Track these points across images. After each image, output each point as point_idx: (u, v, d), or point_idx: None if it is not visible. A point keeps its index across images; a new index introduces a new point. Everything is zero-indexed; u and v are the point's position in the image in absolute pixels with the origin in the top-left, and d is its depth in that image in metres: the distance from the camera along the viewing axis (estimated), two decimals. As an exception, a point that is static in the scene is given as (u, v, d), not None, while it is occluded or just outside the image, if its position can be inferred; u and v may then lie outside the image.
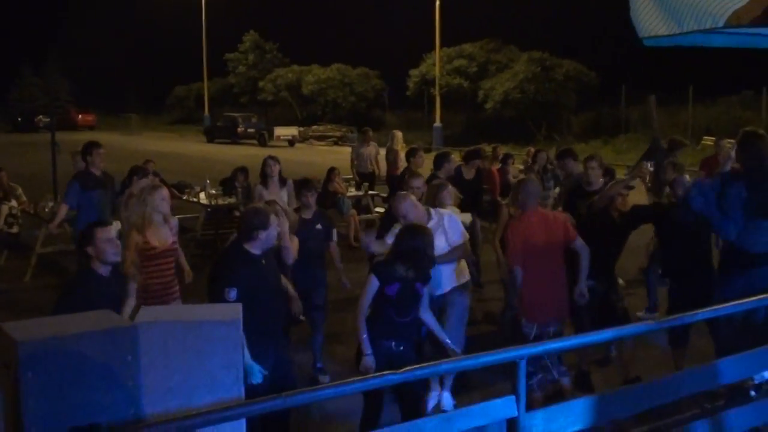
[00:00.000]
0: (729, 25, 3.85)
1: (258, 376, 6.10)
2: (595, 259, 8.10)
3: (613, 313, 8.42)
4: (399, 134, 18.70)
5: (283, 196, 11.93)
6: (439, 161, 12.00)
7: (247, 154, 38.93)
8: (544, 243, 7.73)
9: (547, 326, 7.72)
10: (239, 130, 57.21)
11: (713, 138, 16.30)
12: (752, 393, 6.46)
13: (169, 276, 8.10)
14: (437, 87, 51.76)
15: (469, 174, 13.17)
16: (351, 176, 19.37)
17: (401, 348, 6.87)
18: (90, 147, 11.92)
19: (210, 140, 58.59)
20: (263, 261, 6.82)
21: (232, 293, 6.44)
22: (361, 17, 74.16)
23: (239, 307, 4.25)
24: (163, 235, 8.07)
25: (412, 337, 7.12)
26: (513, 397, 4.77)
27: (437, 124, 50.37)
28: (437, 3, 49.34)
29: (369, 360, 6.74)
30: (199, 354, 3.83)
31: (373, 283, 6.82)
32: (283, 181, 12.39)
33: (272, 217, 6.82)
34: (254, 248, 6.73)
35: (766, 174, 7.53)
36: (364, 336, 6.80)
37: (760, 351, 6.55)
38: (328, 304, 9.41)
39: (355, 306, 6.98)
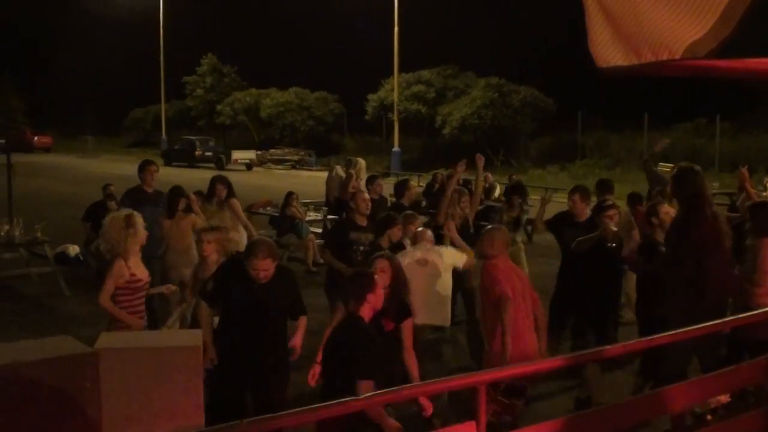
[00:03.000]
0: (685, 57, 3.92)
1: None
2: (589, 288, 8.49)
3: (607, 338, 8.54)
4: (363, 163, 18.64)
5: (224, 216, 12.15)
6: (400, 189, 12.12)
7: (205, 177, 38.64)
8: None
9: None
10: (197, 153, 57.00)
11: (670, 165, 16.47)
12: (708, 417, 6.51)
13: (141, 311, 7.90)
14: (395, 112, 51.87)
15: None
16: (310, 201, 19.37)
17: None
18: (143, 165, 12.22)
19: (167, 163, 58.13)
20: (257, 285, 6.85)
21: (210, 284, 6.96)
22: (320, 41, 74.32)
23: (199, 333, 4.24)
24: (142, 267, 7.97)
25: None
26: (473, 423, 4.78)
27: (396, 148, 50.47)
28: (395, 29, 49.53)
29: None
30: (160, 380, 3.81)
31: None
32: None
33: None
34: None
35: (701, 209, 7.61)
36: None
37: (716, 375, 6.64)
38: None
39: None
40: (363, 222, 9.73)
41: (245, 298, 6.85)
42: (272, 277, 6.85)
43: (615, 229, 8.87)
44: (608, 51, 4.40)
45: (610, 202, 9.38)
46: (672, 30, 3.97)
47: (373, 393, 4.61)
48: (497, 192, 22.50)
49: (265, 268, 6.75)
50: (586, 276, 9.08)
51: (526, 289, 7.73)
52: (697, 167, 8.01)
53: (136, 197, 11.72)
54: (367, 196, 10.18)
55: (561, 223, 9.98)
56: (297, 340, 7.27)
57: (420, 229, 9.45)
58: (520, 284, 7.66)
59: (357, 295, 6.17)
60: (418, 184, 28.73)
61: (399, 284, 7.02)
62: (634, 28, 4.20)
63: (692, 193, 7.64)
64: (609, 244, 8.86)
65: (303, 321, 7.40)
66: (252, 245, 7.00)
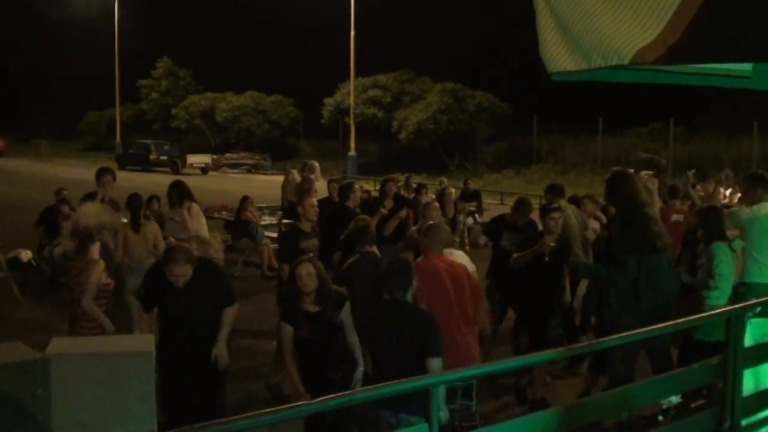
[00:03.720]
0: (634, 62, 3.98)
1: None
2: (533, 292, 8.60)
3: (544, 341, 8.56)
4: (318, 166, 18.62)
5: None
6: (346, 192, 11.94)
7: (160, 181, 38.42)
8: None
9: None
10: (152, 157, 56.62)
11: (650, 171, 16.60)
12: (659, 417, 6.60)
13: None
14: (352, 116, 51.88)
15: (388, 203, 13.23)
16: (265, 205, 19.31)
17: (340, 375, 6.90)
18: (101, 173, 11.59)
19: (122, 167, 57.64)
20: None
21: (141, 288, 7.26)
22: (276, 45, 74.04)
23: (152, 338, 4.22)
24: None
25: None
26: (425, 426, 4.80)
27: (352, 153, 50.46)
28: (352, 33, 49.55)
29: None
30: (112, 386, 3.79)
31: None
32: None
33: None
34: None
35: (637, 212, 7.71)
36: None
37: (667, 376, 6.73)
38: None
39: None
40: (308, 228, 9.67)
41: (170, 303, 7.11)
42: (194, 277, 7.03)
43: (553, 244, 8.84)
44: (559, 56, 4.46)
45: (556, 205, 9.40)
46: (621, 36, 4.03)
47: (329, 396, 4.61)
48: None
49: (183, 273, 6.98)
50: (522, 284, 9.13)
51: (462, 289, 7.72)
52: (630, 170, 8.13)
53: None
54: (314, 201, 10.10)
55: (500, 227, 10.10)
56: (219, 347, 7.29)
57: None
58: (453, 284, 7.65)
59: (402, 283, 6.57)
60: (374, 188, 28.76)
61: (326, 282, 7.10)
62: (584, 34, 4.25)
63: (627, 195, 7.76)
64: (546, 259, 8.85)
65: (228, 313, 7.42)
66: (169, 251, 7.21)
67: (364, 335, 6.86)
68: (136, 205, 11.42)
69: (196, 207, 12.15)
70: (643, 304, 7.59)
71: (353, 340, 7.09)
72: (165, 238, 10.84)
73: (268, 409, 4.30)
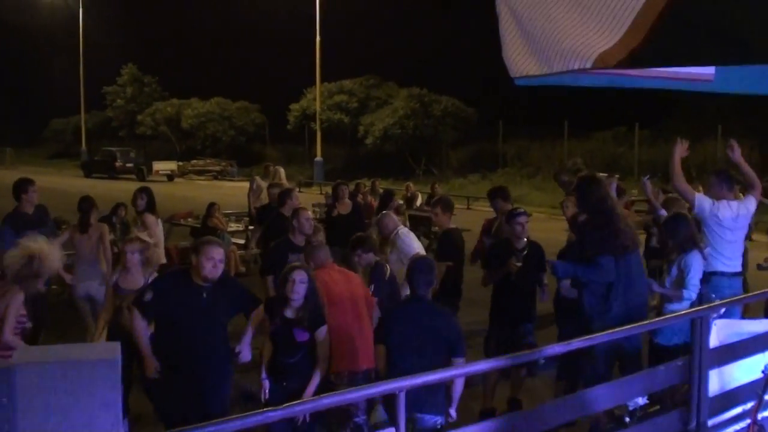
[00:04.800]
0: (596, 67, 4.01)
1: None
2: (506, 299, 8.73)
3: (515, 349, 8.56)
4: (281, 170, 18.63)
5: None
6: (282, 198, 11.66)
7: (126, 189, 38.22)
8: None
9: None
10: (117, 164, 56.32)
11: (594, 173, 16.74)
12: (626, 419, 6.62)
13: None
14: (318, 122, 51.86)
15: (344, 209, 13.18)
16: (232, 211, 19.28)
17: (293, 387, 6.83)
18: (20, 185, 11.07)
19: (87, 175, 57.42)
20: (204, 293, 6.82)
21: (149, 294, 6.76)
22: (242, 51, 73.82)
23: (118, 346, 4.18)
24: None
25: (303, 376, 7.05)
26: (392, 430, 4.81)
27: (318, 158, 50.38)
28: (317, 38, 49.54)
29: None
30: (78, 394, 3.76)
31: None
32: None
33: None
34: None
35: (608, 215, 7.76)
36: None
37: (633, 378, 6.78)
38: None
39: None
40: (301, 242, 9.38)
41: (190, 307, 6.80)
42: (216, 285, 6.86)
43: (519, 264, 8.84)
44: (522, 61, 4.48)
45: (522, 210, 9.39)
46: (583, 40, 4.05)
47: (294, 402, 4.62)
48: (419, 201, 22.68)
49: (220, 256, 6.84)
50: (495, 291, 9.15)
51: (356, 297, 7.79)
52: (599, 175, 8.18)
53: (15, 222, 10.74)
54: (309, 214, 9.83)
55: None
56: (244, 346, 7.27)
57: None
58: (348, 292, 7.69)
59: (427, 280, 6.61)
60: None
61: (314, 294, 7.03)
62: (547, 39, 4.28)
63: (597, 198, 7.81)
64: (512, 278, 8.86)
65: (256, 314, 7.33)
66: (200, 241, 7.14)
67: (383, 331, 6.74)
68: (86, 207, 11.19)
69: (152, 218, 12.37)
70: (614, 307, 7.64)
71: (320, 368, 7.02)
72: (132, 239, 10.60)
73: (233, 416, 4.29)
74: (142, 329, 6.93)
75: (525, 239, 8.98)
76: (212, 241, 6.94)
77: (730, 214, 8.86)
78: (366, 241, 8.71)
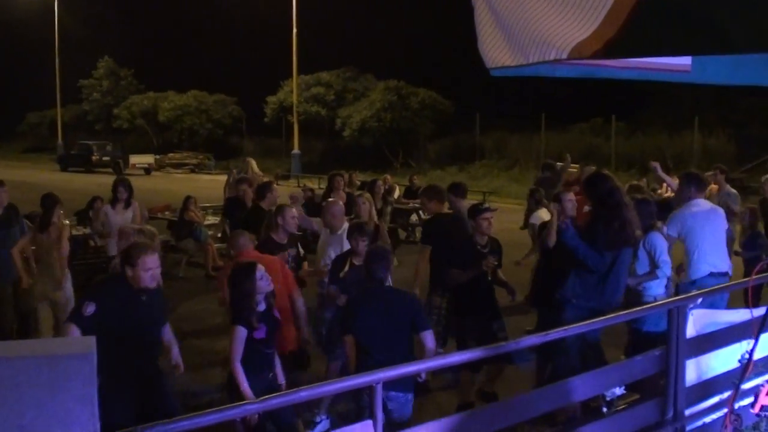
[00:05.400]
0: (572, 57, 4.00)
1: None
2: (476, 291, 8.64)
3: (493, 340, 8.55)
4: (253, 162, 18.44)
5: (128, 217, 12.22)
6: (261, 192, 11.47)
7: (102, 182, 38.06)
8: None
9: None
10: (94, 158, 56.12)
11: (575, 165, 16.98)
12: (604, 409, 6.64)
13: None
14: (295, 114, 51.83)
15: (340, 200, 13.11)
16: (209, 204, 19.22)
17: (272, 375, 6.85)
18: None
19: (64, 169, 57.17)
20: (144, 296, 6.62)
21: (90, 307, 6.29)
22: (218, 43, 73.50)
23: (93, 339, 4.14)
24: None
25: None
26: (370, 422, 4.80)
27: (295, 151, 50.36)
28: (294, 30, 49.46)
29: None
30: (53, 389, 3.73)
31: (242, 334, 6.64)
32: (128, 204, 12.56)
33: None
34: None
35: (620, 209, 7.82)
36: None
37: (610, 368, 6.81)
38: None
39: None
40: (284, 240, 9.12)
41: (134, 316, 6.58)
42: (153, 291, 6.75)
43: (495, 263, 8.79)
44: (497, 52, 4.47)
45: (487, 205, 9.33)
46: (558, 31, 4.05)
47: (269, 396, 4.60)
48: (397, 193, 22.65)
49: (157, 265, 6.66)
50: (465, 287, 9.02)
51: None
52: (605, 171, 8.29)
53: None
54: (295, 212, 9.48)
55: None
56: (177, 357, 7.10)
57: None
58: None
59: (383, 265, 6.89)
60: (318, 186, 28.72)
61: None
62: (522, 30, 4.27)
63: (606, 192, 7.87)
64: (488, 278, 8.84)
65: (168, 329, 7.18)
66: (134, 245, 6.95)
67: (349, 320, 6.81)
68: (48, 204, 10.79)
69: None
70: (593, 299, 7.75)
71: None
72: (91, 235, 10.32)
73: (211, 409, 4.27)
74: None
75: (487, 236, 8.89)
76: (146, 250, 6.60)
77: (702, 213, 9.01)
78: (363, 228, 8.69)
